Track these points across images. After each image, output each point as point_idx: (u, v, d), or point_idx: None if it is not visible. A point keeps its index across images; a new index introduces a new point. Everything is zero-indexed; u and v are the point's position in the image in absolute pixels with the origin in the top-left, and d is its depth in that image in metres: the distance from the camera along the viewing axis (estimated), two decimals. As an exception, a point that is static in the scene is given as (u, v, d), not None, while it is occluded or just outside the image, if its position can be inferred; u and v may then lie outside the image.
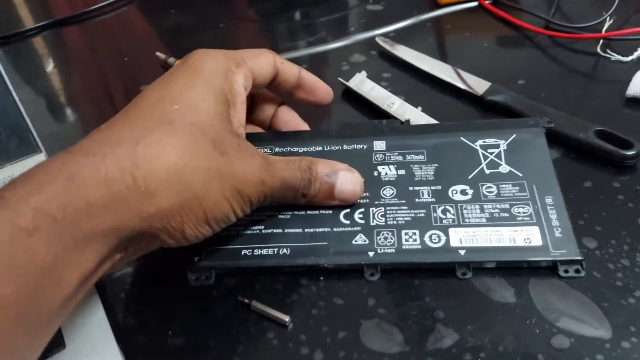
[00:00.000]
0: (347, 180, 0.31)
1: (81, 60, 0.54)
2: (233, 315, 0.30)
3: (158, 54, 0.50)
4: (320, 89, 0.36)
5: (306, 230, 0.32)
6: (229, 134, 0.29)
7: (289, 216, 0.32)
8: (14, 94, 0.36)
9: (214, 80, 0.30)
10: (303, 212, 0.32)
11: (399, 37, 0.49)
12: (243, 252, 0.31)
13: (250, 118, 0.38)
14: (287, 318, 0.29)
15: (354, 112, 0.42)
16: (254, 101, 0.37)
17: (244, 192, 0.27)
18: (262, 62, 0.33)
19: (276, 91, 0.37)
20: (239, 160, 0.27)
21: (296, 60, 0.48)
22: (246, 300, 0.30)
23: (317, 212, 0.32)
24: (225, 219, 0.28)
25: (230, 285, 0.31)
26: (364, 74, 0.43)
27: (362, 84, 0.43)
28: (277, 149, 0.36)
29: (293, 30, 0.54)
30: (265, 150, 0.36)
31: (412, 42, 0.47)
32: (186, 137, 0.26)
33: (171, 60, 0.49)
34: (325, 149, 0.36)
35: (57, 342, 0.27)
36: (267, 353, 0.28)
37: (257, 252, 0.31)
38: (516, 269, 0.29)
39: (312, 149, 0.36)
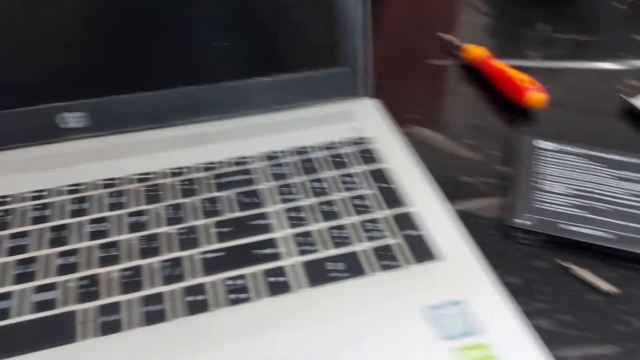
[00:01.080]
0: None
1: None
2: (549, 273, 0.35)
3: (441, 34, 0.55)
4: None
5: (631, 224, 0.36)
6: None
7: (610, 209, 0.37)
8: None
9: None
10: (627, 210, 0.37)
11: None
12: (567, 227, 0.36)
13: None
14: (614, 289, 0.33)
15: (633, 131, 0.46)
16: None
17: None
18: None
19: None
20: None
21: (565, 71, 0.53)
22: (564, 264, 0.35)
23: (638, 211, 0.37)
24: None
25: (548, 250, 0.36)
26: (650, 97, 0.47)
27: (648, 106, 0.47)
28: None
29: (544, 41, 0.58)
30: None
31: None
32: None
33: (455, 43, 0.54)
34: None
35: (431, 255, 0.33)
36: (591, 312, 0.33)
37: (581, 230, 0.36)
38: None
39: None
